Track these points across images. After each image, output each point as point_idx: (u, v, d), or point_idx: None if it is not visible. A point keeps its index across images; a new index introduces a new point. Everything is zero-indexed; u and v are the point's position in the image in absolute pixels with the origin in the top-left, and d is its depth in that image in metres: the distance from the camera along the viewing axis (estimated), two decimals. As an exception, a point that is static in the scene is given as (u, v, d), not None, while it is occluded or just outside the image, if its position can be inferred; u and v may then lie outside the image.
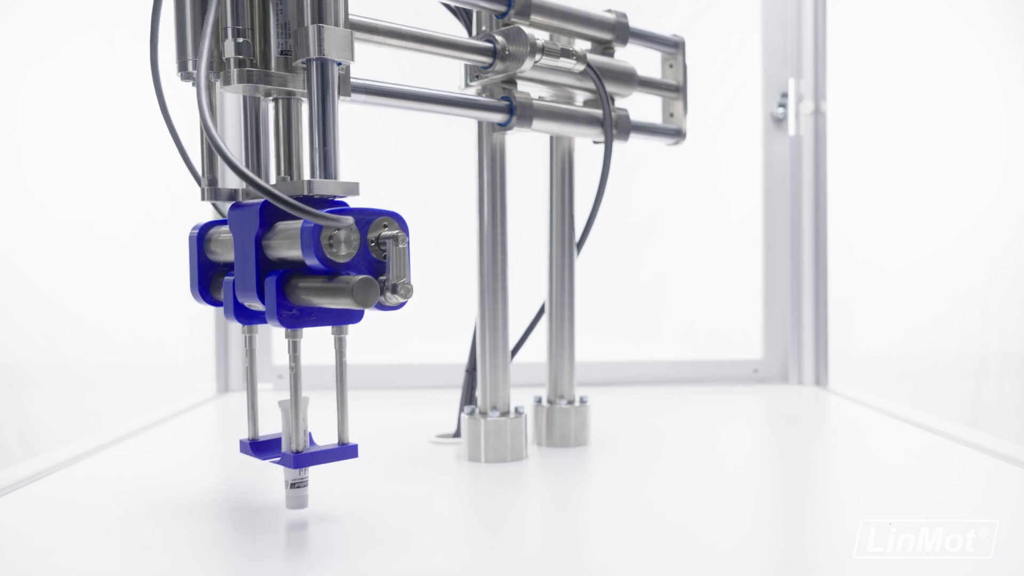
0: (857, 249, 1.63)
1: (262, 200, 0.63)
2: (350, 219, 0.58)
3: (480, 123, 0.84)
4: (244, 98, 0.68)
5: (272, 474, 0.86)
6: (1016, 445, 0.91)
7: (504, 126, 0.82)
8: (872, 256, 1.66)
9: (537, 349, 0.97)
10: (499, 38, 0.78)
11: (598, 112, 0.89)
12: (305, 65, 0.62)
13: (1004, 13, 1.73)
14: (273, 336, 1.42)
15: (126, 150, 1.53)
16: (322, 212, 0.56)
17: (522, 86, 0.83)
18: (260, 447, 0.70)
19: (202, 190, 0.70)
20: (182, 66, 0.66)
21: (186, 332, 1.56)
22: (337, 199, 0.63)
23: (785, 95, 1.45)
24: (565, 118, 0.87)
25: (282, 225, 0.62)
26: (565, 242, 0.93)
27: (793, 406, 1.26)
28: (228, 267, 0.69)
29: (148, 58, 0.69)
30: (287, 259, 0.62)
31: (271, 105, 0.68)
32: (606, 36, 0.89)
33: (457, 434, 0.96)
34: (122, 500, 0.76)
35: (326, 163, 0.61)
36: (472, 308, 0.87)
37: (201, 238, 0.71)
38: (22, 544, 0.64)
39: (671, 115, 1.00)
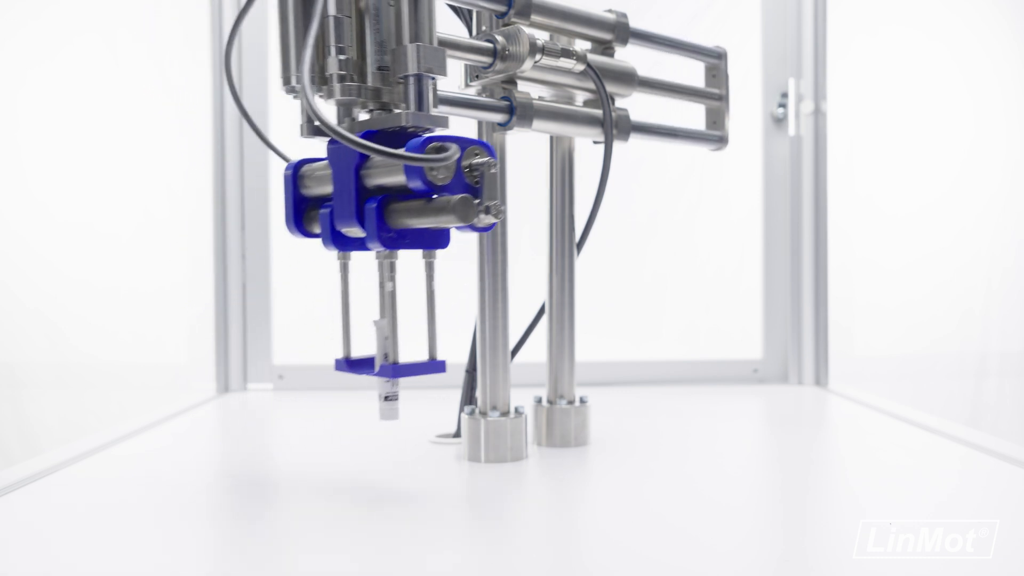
0: (857, 249, 1.63)
1: (360, 133, 0.69)
2: (455, 148, 0.64)
3: (480, 123, 0.84)
4: (338, 108, 0.73)
5: (272, 475, 0.86)
6: (1016, 445, 0.91)
7: (504, 126, 0.82)
8: (872, 256, 1.66)
9: (537, 349, 0.97)
10: (499, 38, 0.78)
11: (598, 112, 0.89)
12: (403, 80, 0.68)
13: (1004, 13, 1.73)
14: (273, 336, 1.42)
15: (126, 150, 1.53)
16: (427, 156, 0.63)
17: (522, 86, 0.83)
18: (354, 364, 0.77)
19: (301, 126, 0.75)
20: (286, 80, 0.71)
21: (186, 332, 1.56)
22: (428, 130, 0.70)
23: (785, 95, 1.45)
24: (565, 118, 0.87)
25: (378, 156, 0.67)
26: (565, 242, 0.93)
27: (793, 406, 1.26)
28: (319, 201, 0.75)
29: (223, 55, 0.79)
30: (384, 186, 0.69)
31: (365, 116, 0.74)
32: (606, 36, 0.89)
33: (457, 434, 0.96)
34: (122, 500, 0.76)
35: (420, 103, 0.68)
36: (472, 308, 0.87)
37: (295, 175, 0.76)
38: (22, 544, 0.64)
39: (714, 122, 1.03)
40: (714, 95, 1.02)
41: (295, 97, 0.72)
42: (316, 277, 1.45)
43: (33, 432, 1.56)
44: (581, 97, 0.90)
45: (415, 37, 0.67)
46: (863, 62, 1.65)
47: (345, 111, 0.73)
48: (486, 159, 0.67)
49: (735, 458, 0.94)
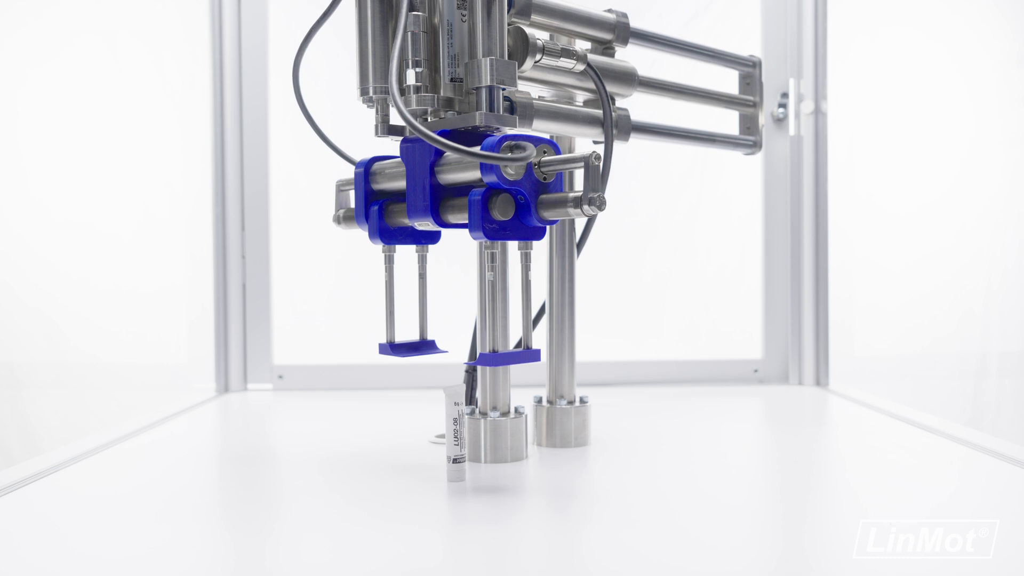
0: (857, 249, 1.63)
1: (435, 132, 0.72)
2: (531, 148, 0.67)
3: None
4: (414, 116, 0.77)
5: (273, 475, 0.86)
6: (1016, 445, 0.91)
7: (505, 126, 0.82)
8: (872, 256, 1.66)
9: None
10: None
11: (599, 112, 0.89)
12: (475, 91, 0.72)
13: (1004, 13, 1.73)
14: (273, 336, 1.42)
15: (126, 150, 1.53)
16: (501, 155, 0.66)
17: (522, 86, 0.83)
18: (398, 348, 0.82)
19: (376, 126, 0.79)
20: (364, 91, 0.76)
21: (186, 332, 1.56)
22: (499, 130, 0.74)
23: (785, 95, 1.45)
24: (566, 118, 0.87)
25: (452, 155, 0.72)
26: (565, 242, 0.93)
27: (793, 406, 1.26)
28: (388, 195, 0.80)
29: (292, 65, 0.82)
30: (455, 182, 0.74)
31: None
32: (607, 36, 0.89)
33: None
34: (122, 500, 0.76)
35: (492, 109, 0.71)
36: (472, 308, 0.87)
37: (367, 172, 0.80)
38: (23, 544, 0.64)
39: (748, 128, 1.06)
40: (748, 102, 1.05)
41: (370, 106, 0.78)
42: (316, 277, 1.46)
43: (34, 432, 1.56)
44: (581, 97, 0.90)
45: (488, 51, 0.72)
46: (863, 62, 1.65)
47: (420, 119, 0.77)
48: (591, 153, 0.68)
49: (735, 458, 0.94)
